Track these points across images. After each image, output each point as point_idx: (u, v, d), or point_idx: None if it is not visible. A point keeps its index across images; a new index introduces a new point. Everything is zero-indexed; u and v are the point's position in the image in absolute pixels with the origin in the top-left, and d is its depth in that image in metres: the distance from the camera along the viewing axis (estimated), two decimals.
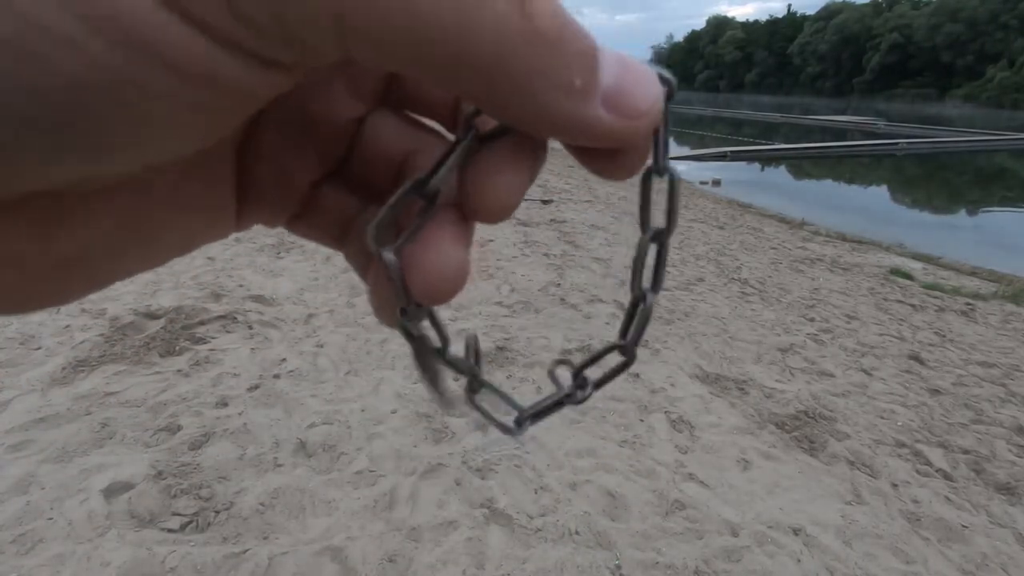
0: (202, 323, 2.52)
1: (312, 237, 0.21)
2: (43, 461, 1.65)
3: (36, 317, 2.44)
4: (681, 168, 13.91)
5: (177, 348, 2.31)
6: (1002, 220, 10.55)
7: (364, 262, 0.20)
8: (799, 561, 1.57)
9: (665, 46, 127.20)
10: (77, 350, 2.23)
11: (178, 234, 0.18)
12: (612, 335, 0.20)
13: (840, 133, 24.46)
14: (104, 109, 0.11)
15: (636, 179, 0.18)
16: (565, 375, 0.21)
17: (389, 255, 0.16)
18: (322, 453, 1.80)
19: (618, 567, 1.49)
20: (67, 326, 2.40)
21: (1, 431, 1.76)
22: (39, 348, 2.23)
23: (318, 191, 0.20)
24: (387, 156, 0.19)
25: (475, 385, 0.20)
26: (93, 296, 2.69)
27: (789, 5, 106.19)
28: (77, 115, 0.11)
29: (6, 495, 1.53)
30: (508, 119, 0.14)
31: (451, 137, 0.18)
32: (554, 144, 0.16)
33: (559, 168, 10.22)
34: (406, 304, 0.17)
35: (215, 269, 3.15)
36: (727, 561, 1.55)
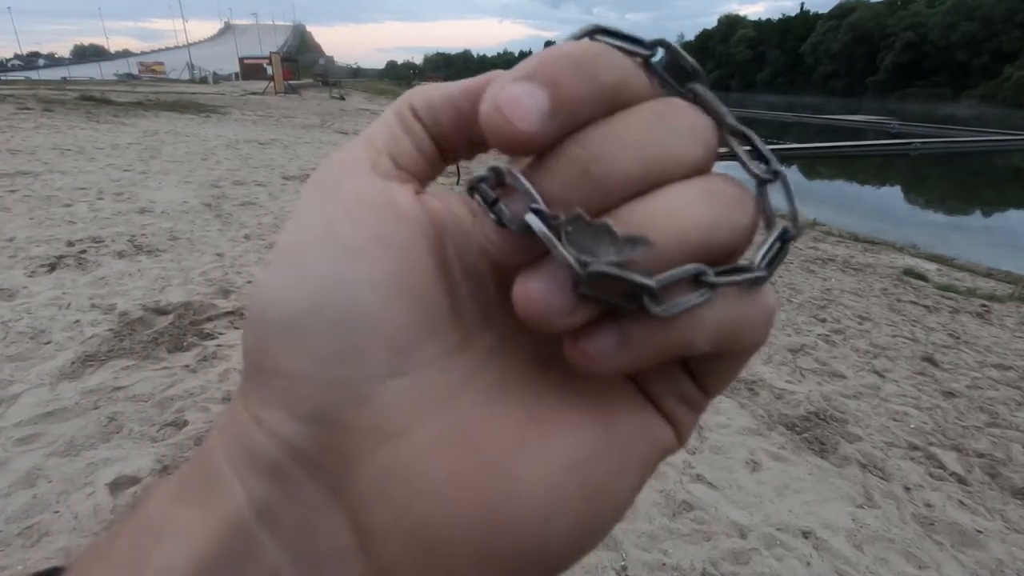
0: (210, 319, 2.53)
1: None
2: (50, 455, 1.66)
3: (46, 312, 2.46)
4: None
5: (185, 344, 2.32)
6: (1018, 221, 10.40)
7: None
8: (809, 564, 1.54)
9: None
10: (86, 345, 2.24)
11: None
12: None
13: (853, 133, 24.23)
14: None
15: None
16: None
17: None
18: None
19: (624, 568, 1.47)
20: (76, 321, 2.41)
21: (10, 424, 1.77)
22: (49, 343, 2.24)
23: None
24: None
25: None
26: (102, 291, 2.70)
27: (802, 3, 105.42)
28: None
29: (13, 488, 1.53)
30: None
31: None
32: None
33: None
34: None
35: (224, 265, 3.16)
36: (735, 563, 1.52)
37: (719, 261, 0.14)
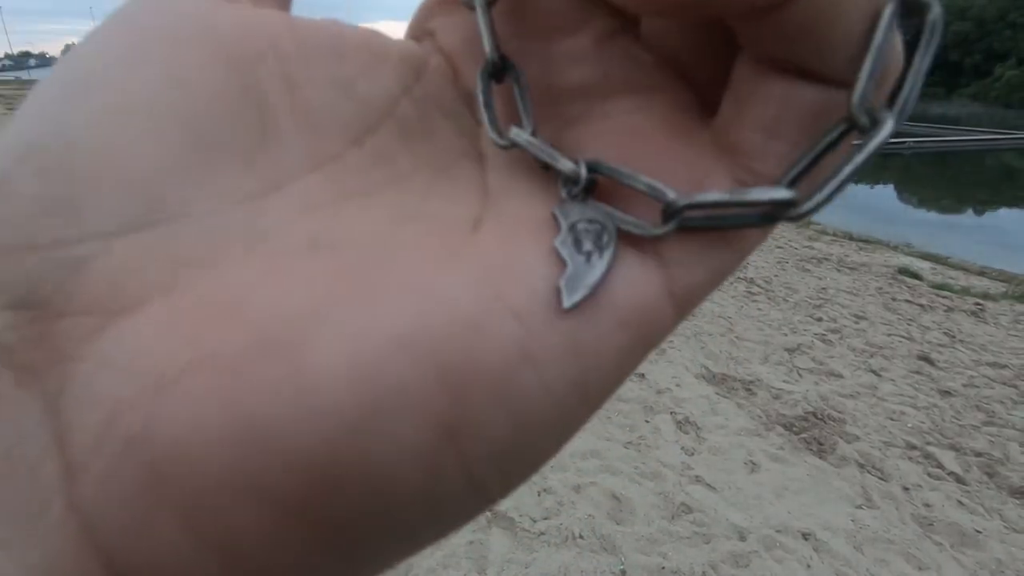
0: None
1: None
2: None
3: None
4: None
5: None
6: (1010, 220, 10.47)
7: None
8: (809, 567, 1.53)
9: None
10: None
11: None
12: None
13: None
14: None
15: None
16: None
17: None
18: None
19: (623, 572, 1.45)
20: None
21: None
22: None
23: None
24: None
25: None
26: None
27: None
28: None
29: None
30: None
31: None
32: None
33: None
34: None
35: None
36: (735, 566, 1.51)
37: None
